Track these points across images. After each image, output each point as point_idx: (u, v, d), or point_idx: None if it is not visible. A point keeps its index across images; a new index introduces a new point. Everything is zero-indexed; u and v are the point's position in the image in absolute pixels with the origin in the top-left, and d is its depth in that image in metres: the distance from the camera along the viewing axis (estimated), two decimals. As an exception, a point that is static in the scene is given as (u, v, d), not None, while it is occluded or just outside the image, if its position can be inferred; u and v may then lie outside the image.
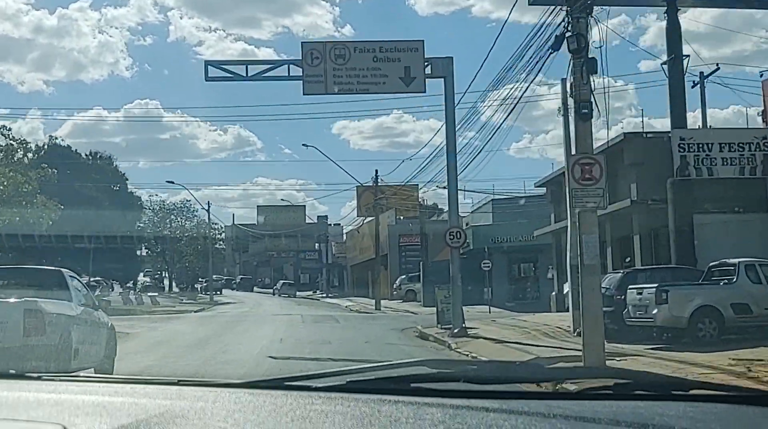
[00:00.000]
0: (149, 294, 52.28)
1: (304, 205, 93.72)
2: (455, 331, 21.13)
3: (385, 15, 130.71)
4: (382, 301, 46.73)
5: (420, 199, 55.88)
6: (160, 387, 2.20)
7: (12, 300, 10.35)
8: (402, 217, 59.91)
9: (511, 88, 21.02)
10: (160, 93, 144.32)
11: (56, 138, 41.82)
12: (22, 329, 9.73)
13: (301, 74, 21.35)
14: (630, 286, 17.22)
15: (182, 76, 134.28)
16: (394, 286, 53.36)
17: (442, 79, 21.92)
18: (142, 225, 52.34)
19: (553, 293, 30.74)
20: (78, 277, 14.18)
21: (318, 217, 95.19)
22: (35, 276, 12.97)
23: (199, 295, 66.32)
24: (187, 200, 73.32)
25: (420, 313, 38.43)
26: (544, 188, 31.56)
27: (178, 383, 2.23)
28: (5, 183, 25.21)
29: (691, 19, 59.23)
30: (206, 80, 21.35)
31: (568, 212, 19.62)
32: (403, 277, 52.86)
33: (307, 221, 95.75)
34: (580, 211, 13.86)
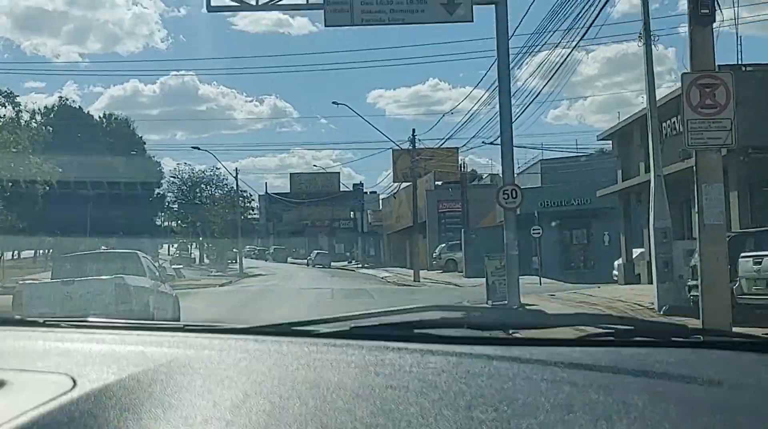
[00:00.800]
0: (174, 266, 49.25)
1: (338, 172, 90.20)
2: (512, 309, 17.50)
3: None
4: (421, 272, 43.18)
5: (460, 162, 51.97)
6: (167, 334, 2.19)
7: (105, 277, 13.57)
8: (441, 182, 56.07)
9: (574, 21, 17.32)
10: (195, 64, 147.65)
11: (66, 99, 38.35)
12: (115, 298, 12.74)
13: (322, 1, 17.65)
14: (743, 255, 13.33)
15: (217, 47, 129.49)
16: (434, 255, 49.70)
17: (493, 6, 18.07)
18: (161, 192, 49.38)
19: (618, 262, 26.85)
20: (149, 258, 18.50)
21: (353, 184, 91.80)
22: (119, 257, 16.22)
23: (229, 266, 63.38)
24: (216, 168, 70.22)
25: (464, 286, 34.86)
26: (609, 142, 27.52)
27: (184, 329, 2.27)
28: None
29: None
30: (209, 11, 17.77)
31: (652, 164, 15.82)
32: (443, 245, 49.18)
33: (342, 189, 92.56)
34: (699, 152, 10.05)
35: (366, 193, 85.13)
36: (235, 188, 60.96)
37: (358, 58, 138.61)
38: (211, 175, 71.86)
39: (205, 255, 72.72)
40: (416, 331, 2.08)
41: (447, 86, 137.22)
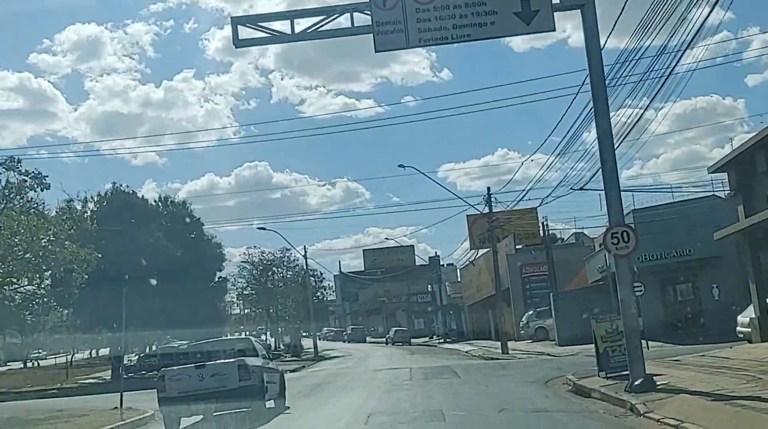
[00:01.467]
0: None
1: (413, 245, 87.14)
2: (636, 383, 13.72)
3: (481, 55, 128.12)
4: (509, 343, 39.20)
5: (542, 221, 48.17)
6: None
7: (230, 360, 16.32)
8: (521, 246, 52.28)
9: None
10: (267, 154, 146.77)
11: (120, 184, 36.35)
12: (238, 377, 15.70)
13: (371, 23, 14.71)
14: None
15: (288, 135, 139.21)
16: (521, 324, 45.63)
17: (578, 10, 14.86)
18: (224, 276, 46.77)
19: (743, 317, 22.67)
20: (259, 340, 24.81)
21: (429, 257, 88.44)
22: (237, 342, 20.63)
23: (305, 350, 60.25)
24: (286, 249, 67.71)
25: (560, 356, 30.87)
26: (725, 173, 23.61)
27: None
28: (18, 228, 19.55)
29: None
30: (236, 47, 14.96)
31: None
32: (530, 312, 45.13)
33: (417, 263, 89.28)
34: None
35: (443, 265, 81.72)
36: (305, 267, 58.15)
37: (424, 134, 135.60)
38: (281, 256, 69.32)
39: (279, 340, 69.70)
40: None
41: (516, 155, 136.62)
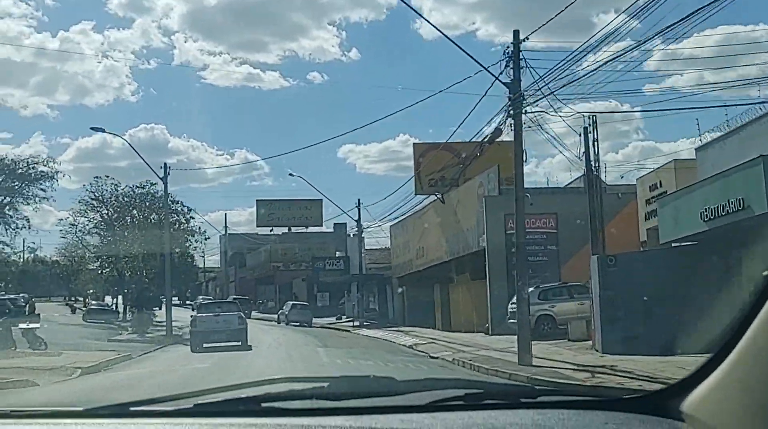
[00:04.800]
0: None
1: (321, 199, 68.21)
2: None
3: (391, 39, 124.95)
4: (493, 339, 21.39)
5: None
6: (7, 420, 2.17)
7: (234, 312, 28.80)
8: (507, 183, 34.45)
9: None
10: (165, 117, 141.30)
11: None
12: (237, 322, 27.60)
13: None
14: None
15: (188, 100, 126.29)
16: (510, 308, 27.68)
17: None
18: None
19: None
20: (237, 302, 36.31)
21: (334, 224, 69.97)
22: (228, 303, 34.50)
23: (155, 322, 40.96)
24: (152, 183, 47.60)
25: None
26: None
27: (9, 415, 2.17)
28: None
29: None
30: None
31: None
32: (532, 290, 27.14)
33: (325, 225, 70.96)
34: None
35: (349, 234, 63.63)
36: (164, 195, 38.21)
37: (329, 113, 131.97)
38: (143, 193, 49.27)
39: (128, 307, 49.78)
40: (263, 405, 2.02)
41: (417, 141, 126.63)
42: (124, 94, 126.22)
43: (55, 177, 57.05)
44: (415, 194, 38.41)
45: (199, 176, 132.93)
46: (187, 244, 47.13)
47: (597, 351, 21.35)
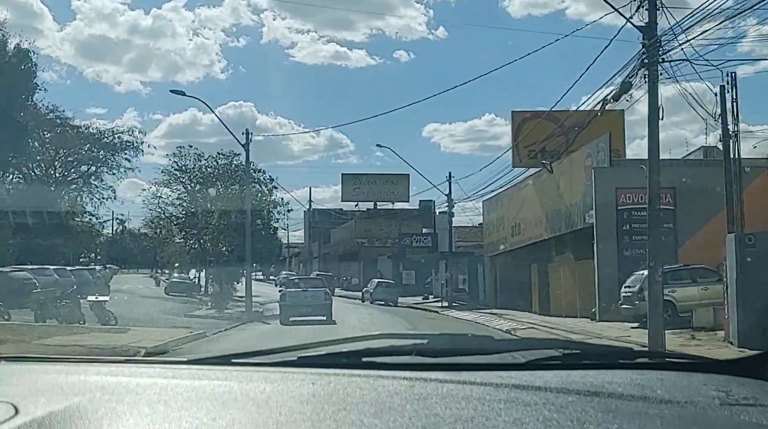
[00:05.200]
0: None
1: (408, 174, 65.75)
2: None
3: (479, 16, 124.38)
4: (583, 323, 18.57)
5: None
6: (111, 365, 2.18)
7: (321, 288, 30.24)
8: (618, 154, 31.29)
9: None
10: (254, 95, 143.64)
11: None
12: (324, 297, 29.20)
13: None
14: None
15: (276, 78, 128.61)
16: (625, 292, 24.69)
17: None
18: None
19: None
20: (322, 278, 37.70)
21: (420, 202, 67.41)
22: (315, 279, 36.36)
23: (235, 297, 39.41)
24: (235, 154, 45.92)
25: None
26: None
27: (124, 362, 2.23)
28: None
29: None
30: None
31: None
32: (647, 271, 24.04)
33: (411, 201, 68.55)
34: None
35: (436, 212, 61.08)
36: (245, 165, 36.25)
37: (415, 91, 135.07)
38: (227, 163, 47.74)
39: (209, 281, 48.39)
40: (364, 359, 2.06)
41: (503, 121, 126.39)
42: (214, 71, 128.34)
43: (140, 147, 56.25)
44: (513, 167, 35.53)
45: (285, 153, 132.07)
46: (269, 216, 45.19)
47: (732, 344, 18.38)
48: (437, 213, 60.12)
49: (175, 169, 48.44)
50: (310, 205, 79.98)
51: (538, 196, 34.01)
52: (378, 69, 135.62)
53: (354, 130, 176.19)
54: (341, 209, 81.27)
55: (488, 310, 37.82)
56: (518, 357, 2.11)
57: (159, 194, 48.87)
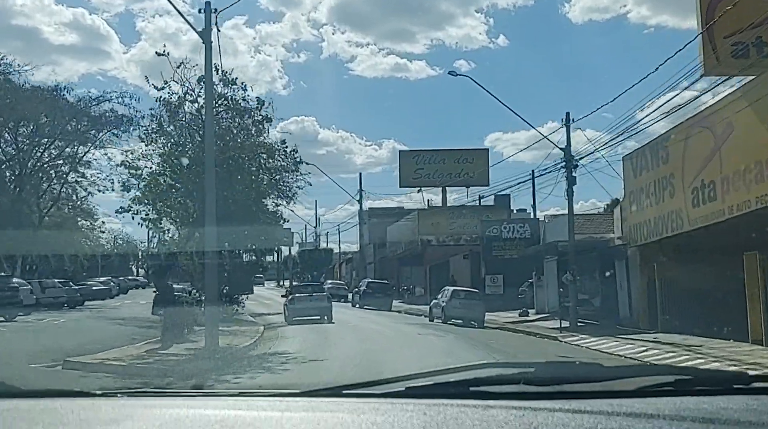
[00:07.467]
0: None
1: (487, 149, 49.76)
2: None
3: (539, 24, 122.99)
4: None
5: None
6: (221, 399, 2.28)
7: (323, 293, 35.43)
8: None
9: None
10: (316, 109, 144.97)
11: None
12: (327, 301, 33.53)
13: None
14: None
15: (336, 92, 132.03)
16: None
17: None
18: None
19: None
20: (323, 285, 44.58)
21: (496, 196, 51.11)
22: (318, 286, 39.98)
23: (241, 308, 25.51)
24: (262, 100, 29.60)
25: None
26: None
27: (238, 395, 2.29)
28: None
29: None
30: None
31: None
32: None
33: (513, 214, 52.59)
34: None
35: (513, 210, 45.28)
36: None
37: (475, 101, 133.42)
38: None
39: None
40: (472, 389, 2.05)
41: (564, 129, 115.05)
42: (276, 87, 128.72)
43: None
44: (703, 74, 19.38)
45: (348, 166, 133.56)
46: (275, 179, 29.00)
47: None
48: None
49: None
50: (360, 204, 63.99)
51: (761, 121, 17.82)
52: (438, 80, 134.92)
53: (415, 141, 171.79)
54: (401, 208, 67.68)
55: (642, 336, 22.13)
56: (629, 384, 2.06)
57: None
